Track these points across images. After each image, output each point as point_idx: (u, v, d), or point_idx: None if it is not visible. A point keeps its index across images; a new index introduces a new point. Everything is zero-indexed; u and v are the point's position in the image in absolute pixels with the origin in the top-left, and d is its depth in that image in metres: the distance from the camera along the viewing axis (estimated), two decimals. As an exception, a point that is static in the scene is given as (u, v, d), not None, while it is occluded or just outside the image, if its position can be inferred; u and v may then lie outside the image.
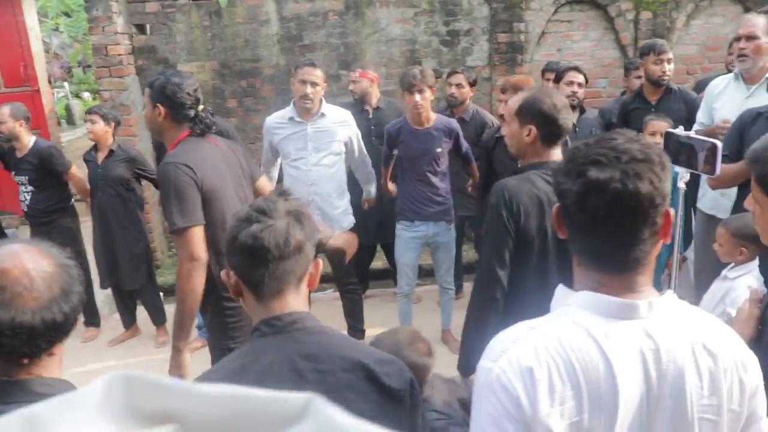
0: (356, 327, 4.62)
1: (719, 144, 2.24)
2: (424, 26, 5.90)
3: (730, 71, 4.13)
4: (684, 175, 2.53)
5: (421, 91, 3.99)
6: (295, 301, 1.51)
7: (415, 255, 4.39)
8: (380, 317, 4.98)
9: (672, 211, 1.22)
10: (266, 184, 3.31)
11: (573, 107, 3.99)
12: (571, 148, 1.26)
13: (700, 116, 4.15)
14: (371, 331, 4.79)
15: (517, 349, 1.16)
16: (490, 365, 1.17)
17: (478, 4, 5.94)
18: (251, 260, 1.46)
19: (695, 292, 3.80)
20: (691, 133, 2.54)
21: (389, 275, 5.40)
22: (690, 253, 4.31)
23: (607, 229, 1.17)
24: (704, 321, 1.23)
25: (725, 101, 3.97)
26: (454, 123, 4.26)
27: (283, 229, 1.47)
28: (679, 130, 2.67)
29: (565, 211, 1.23)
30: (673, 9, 6.26)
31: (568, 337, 1.16)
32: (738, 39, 3.87)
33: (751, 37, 3.78)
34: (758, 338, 1.81)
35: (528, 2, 5.98)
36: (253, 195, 3.13)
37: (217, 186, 2.80)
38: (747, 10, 5.97)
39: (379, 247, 5.52)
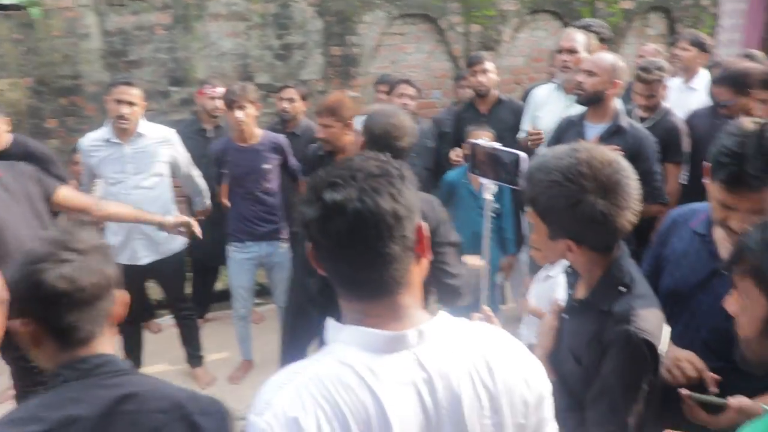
0: (193, 354, 4.43)
1: (522, 155, 2.29)
2: (256, 40, 5.78)
3: (552, 82, 4.34)
4: (490, 186, 2.56)
5: (242, 108, 3.89)
6: (104, 342, 1.38)
7: (248, 277, 4.27)
8: (219, 341, 4.81)
9: (425, 225, 1.19)
10: (70, 195, 3.09)
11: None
12: (311, 175, 1.21)
13: (524, 124, 4.35)
14: (211, 357, 4.61)
15: (281, 398, 1.09)
16: (256, 419, 1.09)
17: (311, 17, 5.91)
18: (63, 306, 1.30)
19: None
20: (497, 144, 2.59)
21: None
22: (523, 254, 4.48)
23: (354, 252, 1.12)
24: (482, 338, 1.21)
25: (547, 110, 4.18)
26: (281, 138, 4.19)
27: (96, 266, 1.34)
28: (484, 141, 2.71)
29: (313, 242, 1.18)
30: (500, 23, 6.55)
31: (333, 378, 1.10)
32: (560, 51, 4.09)
33: (572, 51, 4.02)
34: (556, 348, 1.86)
35: (361, 15, 6.03)
36: (49, 219, 2.90)
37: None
38: (566, 24, 6.35)
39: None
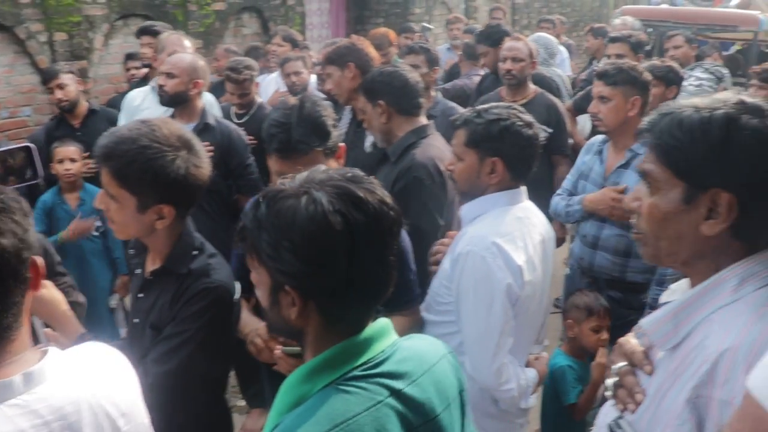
0: None
1: (32, 145, 2.16)
2: None
3: (149, 84, 4.20)
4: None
5: None
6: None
7: None
8: None
9: (40, 260, 1.09)
10: None
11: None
12: None
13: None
14: None
15: None
16: None
17: None
18: None
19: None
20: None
21: None
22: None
23: None
24: (97, 367, 1.16)
25: (146, 114, 4.01)
26: None
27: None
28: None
29: None
30: (89, 29, 6.15)
31: None
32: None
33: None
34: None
35: None
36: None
37: None
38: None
39: None
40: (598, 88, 3.02)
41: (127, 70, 5.38)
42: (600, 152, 3.13)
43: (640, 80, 2.99)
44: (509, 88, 4.09)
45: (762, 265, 1.16)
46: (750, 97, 1.20)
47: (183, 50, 3.85)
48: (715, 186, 1.15)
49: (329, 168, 1.24)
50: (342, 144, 2.24)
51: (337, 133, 2.19)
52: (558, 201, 3.24)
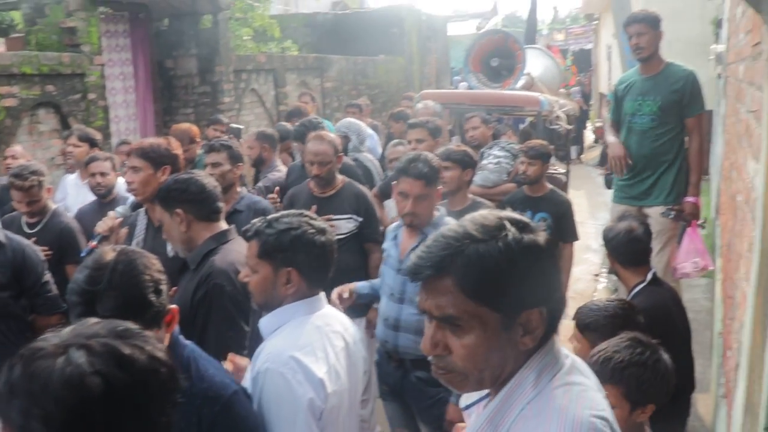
0: None
1: None
2: None
3: None
4: None
5: None
6: None
7: None
8: None
9: None
10: None
11: None
12: None
13: None
14: None
15: None
16: None
17: None
18: None
19: None
20: None
21: None
22: None
23: None
24: None
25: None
26: None
27: None
28: None
29: None
30: None
31: None
32: None
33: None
34: None
35: None
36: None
37: None
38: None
39: None
40: (401, 185, 3.11)
41: None
42: (395, 237, 3.24)
43: (435, 169, 3.14)
44: (317, 183, 4.09)
45: (550, 356, 1.27)
46: (506, 213, 1.28)
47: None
48: (529, 307, 1.22)
49: (100, 320, 1.11)
50: (174, 306, 1.88)
51: (163, 297, 1.81)
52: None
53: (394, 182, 3.21)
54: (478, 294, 1.20)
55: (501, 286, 1.20)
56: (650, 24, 4.46)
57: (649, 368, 2.06)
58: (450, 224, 1.29)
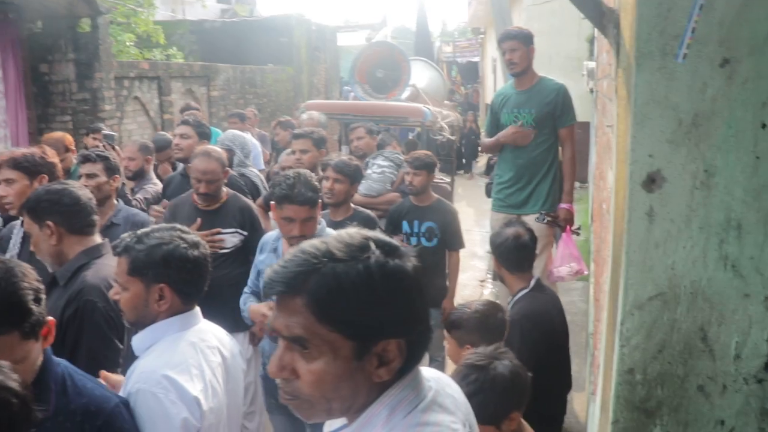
0: None
1: None
2: None
3: None
4: None
5: None
6: None
7: None
8: None
9: None
10: None
11: None
12: None
13: None
14: None
15: None
16: None
17: None
18: None
19: None
20: None
21: None
22: None
23: None
24: None
25: None
26: None
27: None
28: None
29: None
30: None
31: None
32: None
33: None
34: None
35: None
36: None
37: None
38: None
39: None
40: (286, 211, 3.05)
41: None
42: (275, 249, 3.22)
43: (317, 189, 3.14)
44: (203, 200, 3.96)
45: (408, 389, 1.18)
46: (375, 234, 1.19)
47: None
48: (387, 337, 1.13)
49: None
50: (51, 318, 1.82)
51: (42, 307, 1.76)
52: (243, 299, 3.35)
53: (272, 202, 3.14)
54: (330, 317, 1.10)
55: (356, 311, 1.10)
56: (522, 40, 4.67)
57: (487, 390, 2.01)
58: (314, 240, 1.19)
